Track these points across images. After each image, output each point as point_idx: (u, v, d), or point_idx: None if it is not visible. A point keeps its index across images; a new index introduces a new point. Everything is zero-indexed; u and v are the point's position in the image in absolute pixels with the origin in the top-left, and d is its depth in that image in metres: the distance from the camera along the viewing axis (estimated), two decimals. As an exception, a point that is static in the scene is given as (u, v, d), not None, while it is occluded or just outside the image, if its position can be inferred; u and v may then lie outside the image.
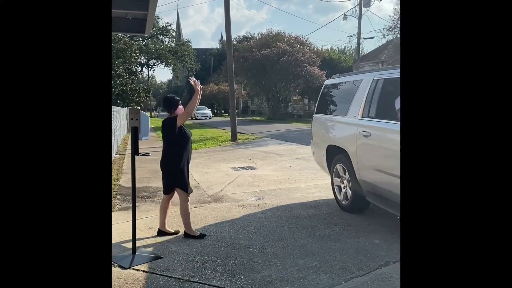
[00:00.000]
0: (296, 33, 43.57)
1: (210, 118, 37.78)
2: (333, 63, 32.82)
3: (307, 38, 40.04)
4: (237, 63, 27.99)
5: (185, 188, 4.26)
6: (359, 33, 24.91)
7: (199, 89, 4.17)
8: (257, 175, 8.12)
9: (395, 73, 4.21)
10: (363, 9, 24.65)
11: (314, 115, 5.97)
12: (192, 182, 7.63)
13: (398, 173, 3.79)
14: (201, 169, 9.17)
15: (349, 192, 4.93)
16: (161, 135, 4.55)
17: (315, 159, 6.05)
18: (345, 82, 5.30)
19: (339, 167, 5.08)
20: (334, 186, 5.29)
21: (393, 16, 23.36)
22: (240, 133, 16.13)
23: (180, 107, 4.26)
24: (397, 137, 3.86)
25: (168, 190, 4.36)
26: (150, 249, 4.04)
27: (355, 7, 25.39)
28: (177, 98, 4.34)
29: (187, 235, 4.32)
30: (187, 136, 4.25)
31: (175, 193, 4.36)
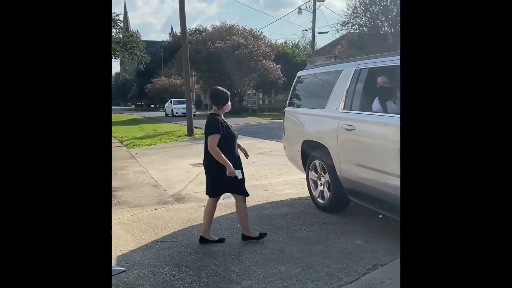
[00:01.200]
0: (250, 26, 43.05)
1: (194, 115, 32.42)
2: (287, 57, 32.86)
3: (261, 32, 39.80)
4: (190, 56, 27.17)
5: (240, 192, 3.83)
6: (313, 28, 25.02)
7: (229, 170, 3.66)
8: (220, 172, 7.71)
9: (380, 62, 3.98)
10: (317, 3, 24.76)
11: (286, 108, 5.64)
12: (150, 181, 7.08)
13: (385, 168, 3.57)
14: (158, 166, 8.60)
15: (327, 191, 4.67)
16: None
17: (287, 155, 5.75)
18: (321, 73, 5.02)
19: (316, 163, 4.79)
20: (310, 185, 5.00)
21: (346, 11, 23.73)
22: (196, 127, 15.54)
23: (229, 103, 3.80)
24: (386, 130, 3.64)
25: (212, 193, 3.89)
26: (111, 260, 3.53)
27: (309, 1, 25.43)
28: (228, 92, 3.87)
29: (246, 238, 3.91)
30: (232, 134, 3.79)
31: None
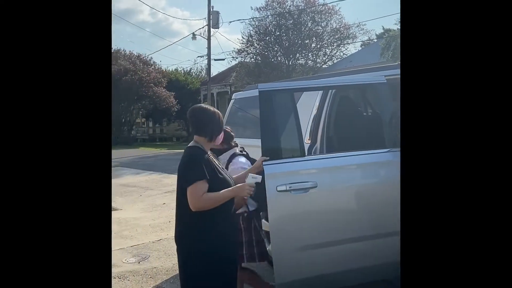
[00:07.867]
0: (137, 52, 40.89)
1: None
2: (179, 85, 31.59)
3: (151, 58, 37.80)
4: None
5: None
6: (209, 54, 24.33)
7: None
8: (124, 220, 6.12)
9: (365, 78, 3.14)
10: (212, 30, 24.23)
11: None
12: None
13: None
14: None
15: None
16: None
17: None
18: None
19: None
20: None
21: (242, 39, 23.62)
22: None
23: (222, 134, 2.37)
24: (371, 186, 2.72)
25: None
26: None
27: (203, 27, 24.72)
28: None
29: None
30: (226, 182, 2.30)
31: None
